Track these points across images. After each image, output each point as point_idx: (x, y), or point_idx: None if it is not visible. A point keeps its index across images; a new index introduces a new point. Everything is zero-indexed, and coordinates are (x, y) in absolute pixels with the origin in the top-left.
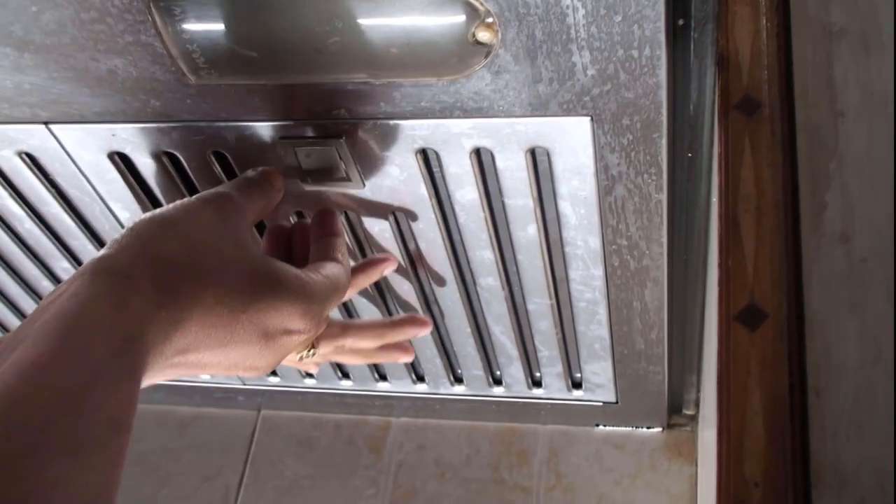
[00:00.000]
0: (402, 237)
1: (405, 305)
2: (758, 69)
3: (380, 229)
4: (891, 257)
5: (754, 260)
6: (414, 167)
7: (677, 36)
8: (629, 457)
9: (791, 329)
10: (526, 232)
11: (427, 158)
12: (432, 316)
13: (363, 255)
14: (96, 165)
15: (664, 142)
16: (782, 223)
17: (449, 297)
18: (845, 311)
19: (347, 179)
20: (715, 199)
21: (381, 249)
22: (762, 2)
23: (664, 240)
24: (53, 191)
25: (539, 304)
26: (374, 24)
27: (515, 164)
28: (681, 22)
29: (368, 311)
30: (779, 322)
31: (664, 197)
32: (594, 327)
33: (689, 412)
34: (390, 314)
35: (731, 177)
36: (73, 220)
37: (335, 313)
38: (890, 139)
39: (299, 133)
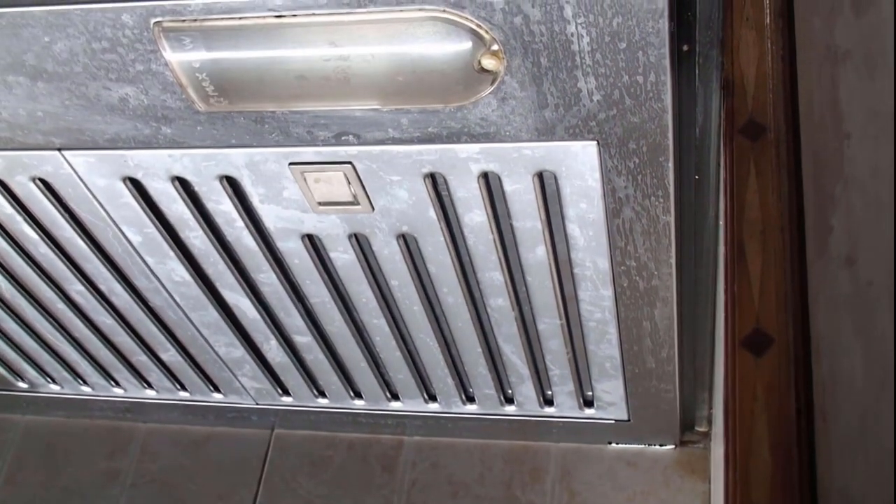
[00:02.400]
0: (412, 259)
1: (416, 326)
2: (763, 93)
3: (389, 252)
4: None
5: (760, 284)
6: (422, 191)
7: (682, 61)
8: (642, 474)
9: (797, 353)
10: (535, 253)
11: (435, 182)
12: (443, 337)
13: (375, 279)
14: (109, 190)
15: (671, 165)
16: (788, 247)
17: (459, 317)
18: (851, 334)
19: (356, 203)
20: (722, 221)
21: (392, 272)
22: (767, 26)
23: (673, 261)
24: (67, 215)
25: (549, 324)
26: (381, 52)
27: (523, 188)
28: (685, 48)
29: (380, 333)
30: (784, 347)
31: (672, 219)
32: (604, 346)
33: (702, 429)
34: (402, 336)
35: (736, 201)
36: (86, 243)
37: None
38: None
39: (308, 159)
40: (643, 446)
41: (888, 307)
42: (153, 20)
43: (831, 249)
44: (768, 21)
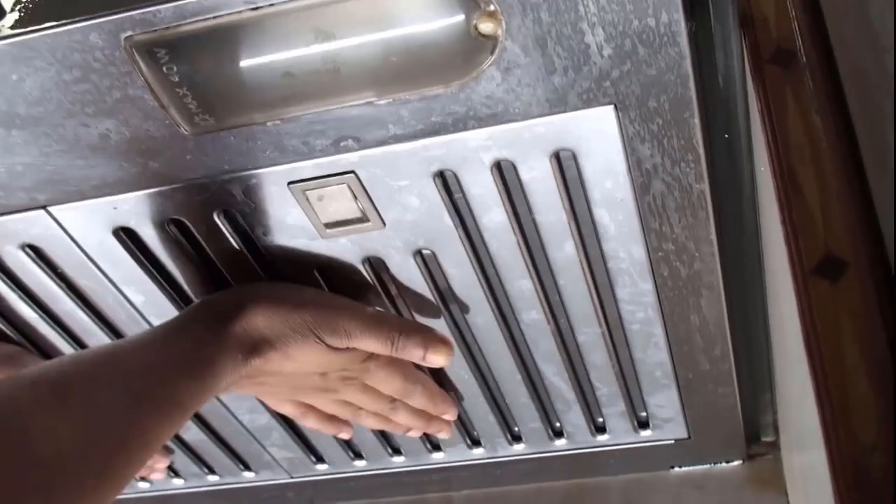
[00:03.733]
0: (433, 278)
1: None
2: (786, 21)
3: (408, 275)
4: None
5: (821, 208)
6: (434, 194)
7: None
8: (713, 496)
9: (876, 276)
10: (563, 251)
11: (446, 183)
12: (477, 366)
13: (395, 307)
14: (102, 246)
15: (697, 121)
16: (842, 168)
17: (492, 340)
18: None
19: (366, 220)
20: (763, 168)
21: (411, 295)
22: None
23: (713, 237)
24: (63, 285)
25: (589, 335)
26: (370, 33)
27: (541, 174)
28: None
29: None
30: (861, 270)
31: (706, 186)
32: (652, 352)
33: (769, 439)
34: (433, 371)
35: (778, 130)
36: (87, 315)
37: None
38: None
39: (308, 174)
40: (708, 466)
41: None
42: (123, 35)
43: (893, 163)
44: None
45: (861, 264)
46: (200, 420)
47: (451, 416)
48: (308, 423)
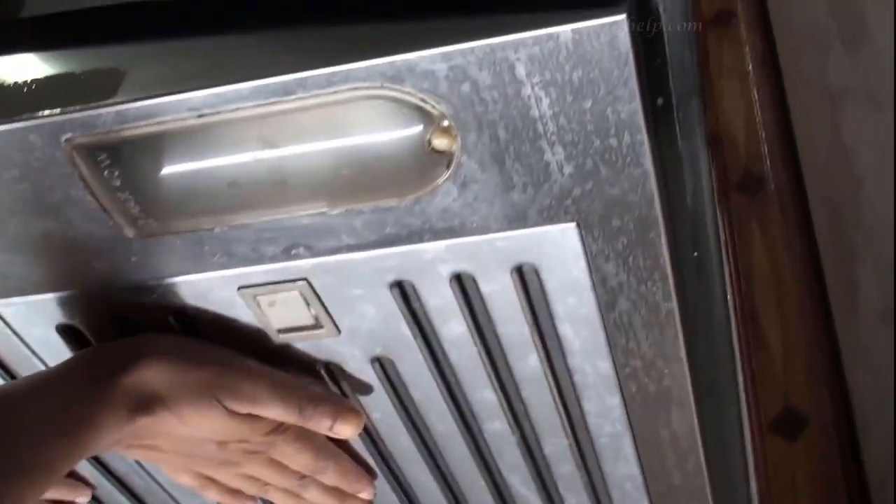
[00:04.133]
0: (393, 386)
1: (408, 464)
2: (755, 143)
3: (366, 379)
4: None
5: (783, 356)
6: (390, 304)
7: (659, 117)
8: None
9: (839, 431)
10: (527, 363)
11: (404, 292)
12: (441, 473)
13: None
14: (47, 341)
15: (663, 241)
16: (810, 309)
17: (455, 448)
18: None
19: (319, 327)
20: (730, 293)
21: (373, 403)
22: (750, 73)
23: (683, 354)
24: (8, 378)
25: (556, 445)
26: (319, 144)
27: (502, 287)
28: (660, 101)
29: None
30: (823, 425)
31: (675, 305)
32: (622, 465)
33: None
34: (394, 476)
35: (742, 266)
36: None
37: None
38: None
39: (258, 280)
40: None
41: None
42: (63, 137)
43: (861, 306)
44: (750, 69)
45: (823, 420)
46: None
47: (367, 494)
48: (209, 497)
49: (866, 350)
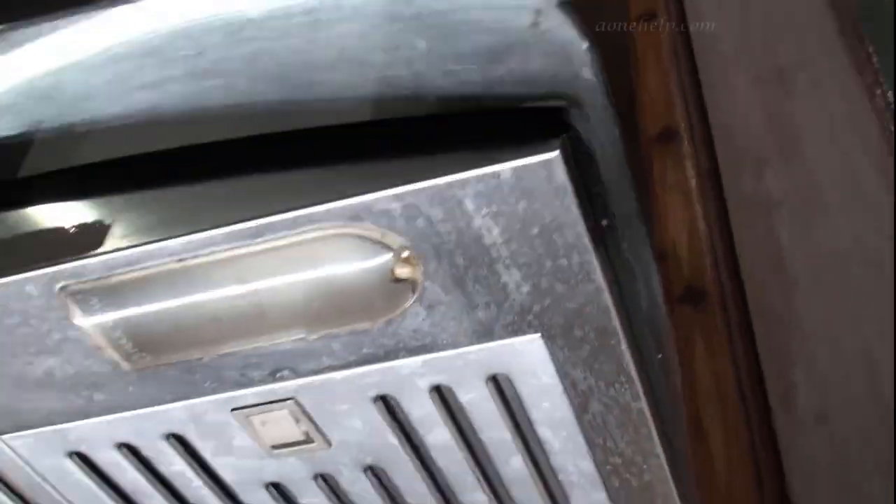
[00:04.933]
0: (388, 493)
1: None
2: (698, 257)
3: (360, 489)
4: (876, 432)
5: (725, 459)
6: (376, 417)
7: (606, 237)
8: None
9: None
10: (511, 466)
11: (388, 405)
12: None
13: None
14: (57, 470)
15: (624, 347)
16: (751, 412)
17: None
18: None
19: (310, 441)
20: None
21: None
22: (693, 189)
23: (659, 450)
24: None
25: None
26: (290, 279)
27: (479, 396)
28: (605, 222)
29: None
30: None
31: (644, 405)
32: None
33: None
34: None
35: (685, 374)
36: None
37: None
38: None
39: (249, 401)
40: None
41: (871, 464)
42: (57, 286)
43: (799, 408)
44: (694, 184)
45: None
46: None
47: None
48: None
49: (802, 450)
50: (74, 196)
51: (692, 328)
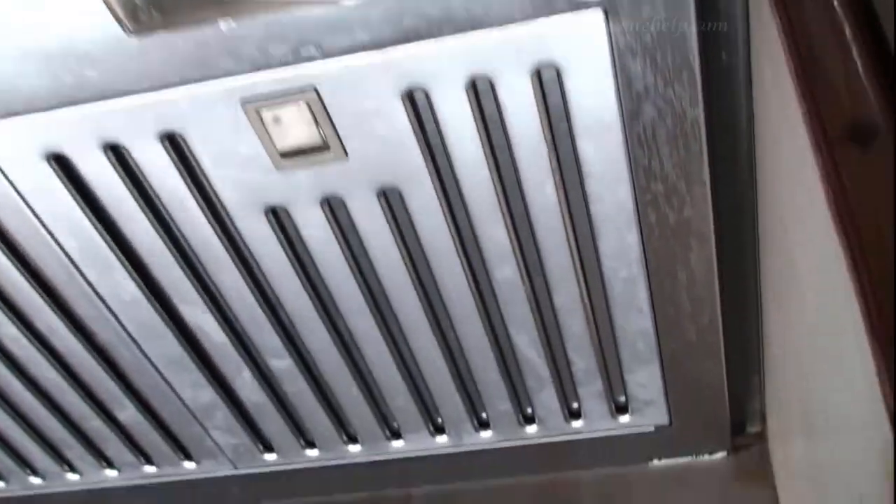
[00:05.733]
0: (397, 223)
1: (410, 323)
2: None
3: (370, 219)
4: None
5: (844, 70)
6: (402, 120)
7: None
8: (695, 491)
9: None
10: (542, 193)
11: (416, 107)
12: (443, 335)
13: (356, 262)
14: (33, 175)
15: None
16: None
17: (461, 303)
18: None
19: (326, 148)
20: (760, 94)
21: (377, 247)
22: None
23: (706, 177)
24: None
25: (567, 298)
26: None
27: (520, 96)
28: None
29: (369, 340)
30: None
31: (700, 112)
32: (634, 317)
33: (755, 429)
34: (393, 340)
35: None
36: (15, 265)
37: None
38: None
39: (264, 90)
40: (690, 458)
41: None
42: None
43: None
44: None
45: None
46: (137, 396)
47: None
48: None
49: None
50: None
51: None
